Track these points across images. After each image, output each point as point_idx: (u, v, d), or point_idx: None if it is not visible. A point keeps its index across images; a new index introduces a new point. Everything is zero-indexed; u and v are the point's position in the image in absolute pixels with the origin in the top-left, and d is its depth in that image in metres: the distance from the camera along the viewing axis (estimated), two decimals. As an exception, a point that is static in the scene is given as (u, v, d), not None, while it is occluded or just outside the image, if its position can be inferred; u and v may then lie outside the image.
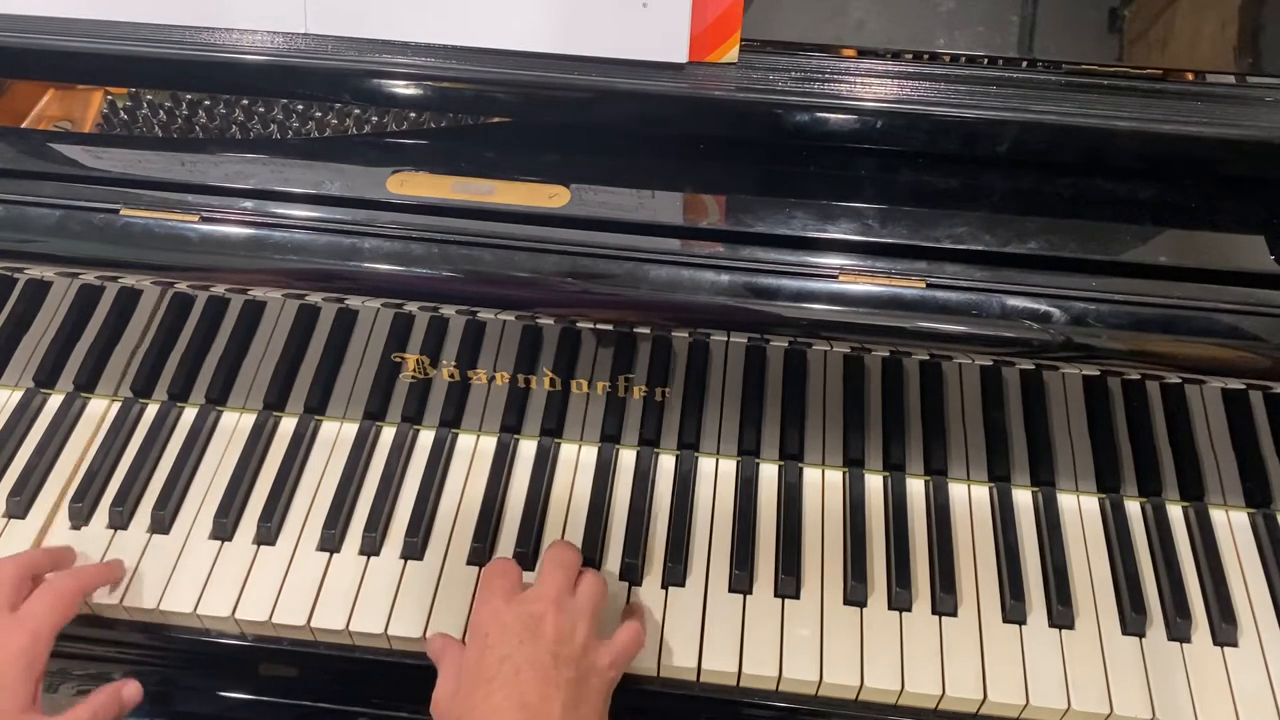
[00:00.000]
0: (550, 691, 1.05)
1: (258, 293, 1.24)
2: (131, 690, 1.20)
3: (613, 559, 1.29)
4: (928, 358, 1.19)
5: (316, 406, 1.39)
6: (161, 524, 1.30)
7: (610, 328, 1.21)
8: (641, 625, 1.20)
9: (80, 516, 1.31)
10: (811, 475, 1.36)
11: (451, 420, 1.39)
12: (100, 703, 1.17)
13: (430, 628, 1.22)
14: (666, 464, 1.37)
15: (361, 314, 1.25)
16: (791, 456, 1.36)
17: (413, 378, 1.32)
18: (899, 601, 1.25)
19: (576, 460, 1.38)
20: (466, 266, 1.17)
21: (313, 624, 1.23)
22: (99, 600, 1.24)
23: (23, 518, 1.32)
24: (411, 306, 1.22)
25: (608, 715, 1.12)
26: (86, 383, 1.41)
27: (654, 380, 1.28)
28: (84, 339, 1.35)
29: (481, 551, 1.28)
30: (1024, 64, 1.21)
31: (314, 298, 1.23)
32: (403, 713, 1.29)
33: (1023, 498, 1.34)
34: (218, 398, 1.40)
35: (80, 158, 1.26)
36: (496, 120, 1.29)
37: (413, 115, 1.32)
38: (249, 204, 1.20)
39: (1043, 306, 1.12)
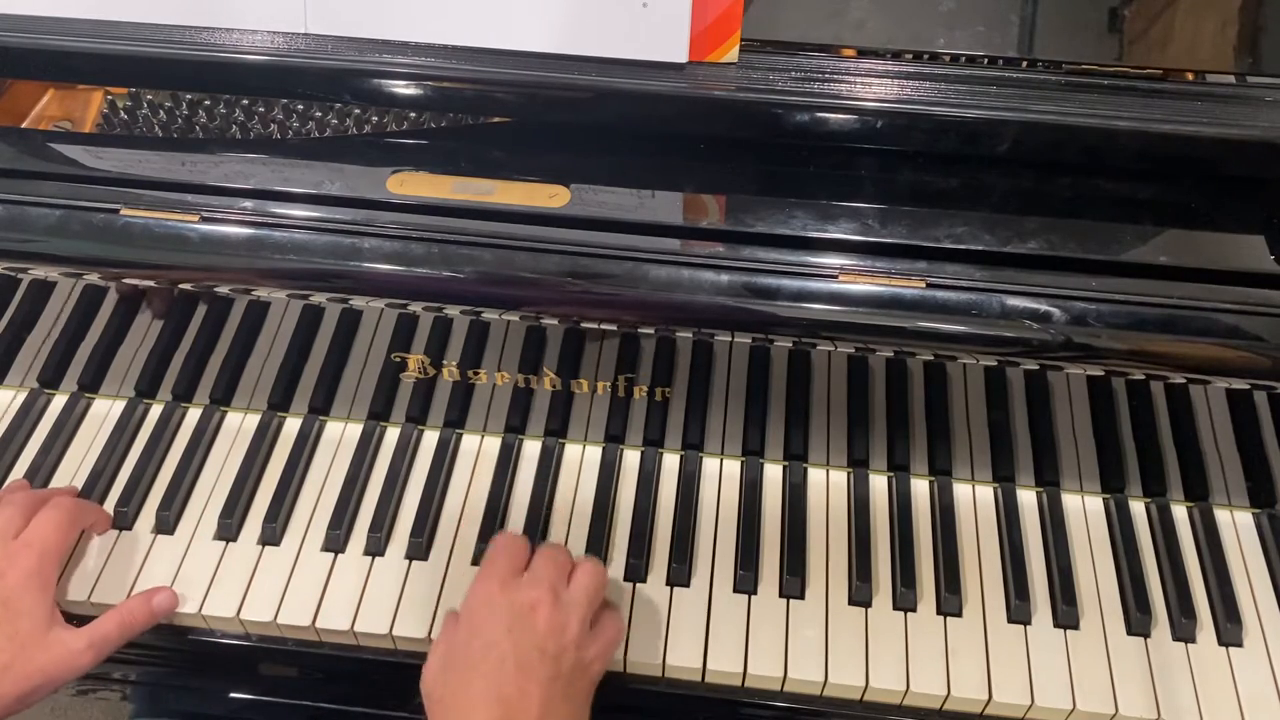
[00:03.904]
0: (530, 688, 1.05)
1: (259, 293, 1.23)
2: (164, 599, 1.22)
3: (617, 559, 1.28)
4: (931, 358, 1.18)
5: (320, 407, 1.39)
6: (166, 524, 1.30)
7: (610, 328, 1.21)
8: (619, 616, 1.19)
9: (85, 517, 1.31)
10: (816, 475, 1.35)
11: (456, 420, 1.38)
12: (130, 609, 1.20)
13: (435, 628, 1.22)
14: (671, 464, 1.37)
15: (363, 314, 1.25)
16: (796, 457, 1.35)
17: (415, 378, 1.32)
18: (904, 602, 1.24)
19: (581, 460, 1.37)
20: (466, 266, 1.17)
21: (318, 624, 1.23)
22: (102, 599, 1.24)
23: (27, 518, 1.31)
24: (412, 306, 1.22)
25: (589, 712, 1.11)
26: (90, 383, 1.41)
27: (655, 380, 1.28)
28: (88, 339, 1.35)
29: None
30: (1024, 64, 1.20)
31: (315, 298, 1.23)
32: (405, 713, 1.29)
33: (1027, 498, 1.34)
34: (222, 398, 1.40)
35: (80, 158, 1.26)
36: (496, 120, 1.28)
37: (413, 115, 1.32)
38: (249, 204, 1.20)
39: (1043, 306, 1.11)
